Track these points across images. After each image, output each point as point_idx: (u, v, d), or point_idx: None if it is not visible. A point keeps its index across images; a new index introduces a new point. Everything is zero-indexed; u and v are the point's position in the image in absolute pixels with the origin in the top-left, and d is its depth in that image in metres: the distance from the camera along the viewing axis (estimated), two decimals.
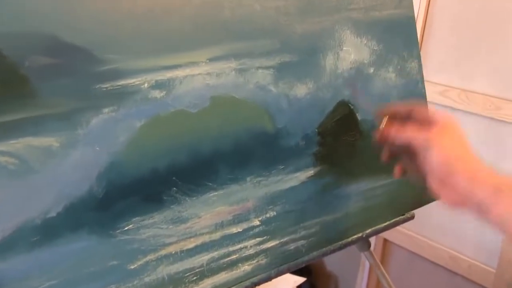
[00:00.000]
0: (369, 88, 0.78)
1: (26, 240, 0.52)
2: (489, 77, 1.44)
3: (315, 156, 0.73)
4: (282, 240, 0.72)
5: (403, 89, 0.82)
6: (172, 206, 0.62)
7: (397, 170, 0.66)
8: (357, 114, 0.77)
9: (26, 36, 0.50)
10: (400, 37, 0.81)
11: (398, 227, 1.26)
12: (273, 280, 0.72)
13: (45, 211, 0.53)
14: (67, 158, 0.54)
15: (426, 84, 1.55)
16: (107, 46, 0.55)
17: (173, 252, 0.63)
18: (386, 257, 1.80)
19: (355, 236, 0.80)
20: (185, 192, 0.62)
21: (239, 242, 0.68)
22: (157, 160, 0.60)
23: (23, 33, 0.50)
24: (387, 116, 0.68)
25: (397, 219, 0.86)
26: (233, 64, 0.64)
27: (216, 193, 0.65)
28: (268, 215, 0.70)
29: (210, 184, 0.64)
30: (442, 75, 1.55)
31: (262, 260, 0.70)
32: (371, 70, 0.78)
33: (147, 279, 0.60)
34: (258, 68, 0.66)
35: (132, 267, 0.60)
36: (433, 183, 0.61)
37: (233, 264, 0.68)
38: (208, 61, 0.62)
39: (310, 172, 0.73)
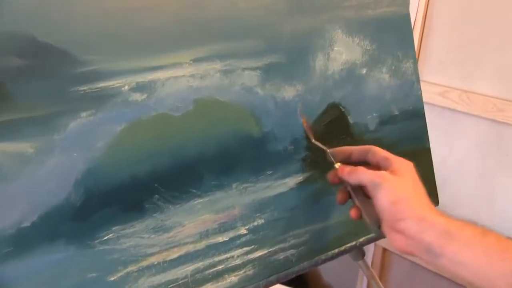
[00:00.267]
0: (362, 90, 0.79)
1: None
2: (491, 77, 1.46)
3: (305, 161, 0.73)
4: (270, 250, 0.72)
5: (398, 90, 0.83)
6: (154, 214, 0.62)
7: (352, 212, 0.66)
8: (348, 117, 0.78)
9: None
10: (394, 36, 0.82)
11: None
12: None
13: (19, 220, 0.54)
14: (42, 165, 0.55)
15: (425, 84, 1.57)
16: (85, 47, 0.56)
17: (156, 263, 0.63)
18: (386, 268, 1.81)
19: (348, 245, 0.81)
20: (168, 199, 0.63)
21: (225, 251, 0.69)
22: (138, 166, 0.60)
23: None
24: (339, 163, 0.69)
25: None
26: (218, 65, 0.65)
27: (201, 200, 0.66)
28: (255, 223, 0.71)
29: (194, 191, 0.65)
30: (442, 75, 1.56)
31: (250, 271, 0.71)
32: (364, 71, 0.79)
33: None
34: (244, 69, 0.67)
35: (112, 278, 0.60)
36: (384, 227, 0.62)
37: (219, 275, 0.68)
38: (191, 62, 0.63)
39: (300, 178, 0.74)
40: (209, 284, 0.67)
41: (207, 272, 0.67)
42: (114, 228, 0.60)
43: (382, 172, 0.63)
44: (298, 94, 0.72)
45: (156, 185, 0.62)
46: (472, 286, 0.58)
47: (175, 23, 0.62)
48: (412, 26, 1.56)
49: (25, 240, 0.54)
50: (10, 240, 0.53)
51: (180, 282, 0.65)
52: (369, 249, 1.76)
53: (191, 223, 0.65)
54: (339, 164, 0.68)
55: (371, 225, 0.64)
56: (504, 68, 1.42)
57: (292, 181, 0.73)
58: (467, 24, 1.49)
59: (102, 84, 0.57)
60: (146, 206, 0.62)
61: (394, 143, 0.82)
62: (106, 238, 0.59)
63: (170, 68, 0.62)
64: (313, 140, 0.72)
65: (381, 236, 0.64)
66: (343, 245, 0.80)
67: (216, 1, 0.65)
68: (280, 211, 0.73)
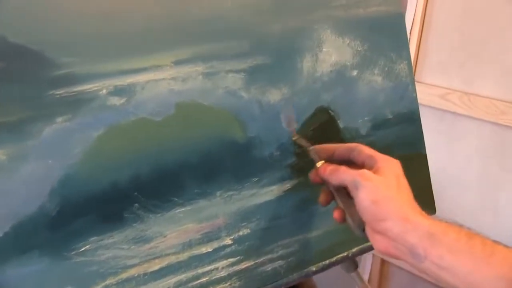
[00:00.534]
0: (352, 93, 0.80)
1: None
2: (494, 78, 1.47)
3: (292, 167, 0.74)
4: (257, 261, 0.73)
5: (392, 93, 0.84)
6: (134, 224, 0.63)
7: (335, 215, 0.67)
8: (338, 121, 0.79)
9: None
10: (387, 37, 0.84)
11: None
12: None
13: None
14: (16, 172, 0.55)
15: (424, 86, 1.58)
16: (60, 48, 0.57)
17: (136, 275, 0.64)
18: (384, 280, 1.82)
19: (340, 256, 0.81)
20: (149, 208, 0.64)
21: (209, 263, 0.69)
22: (117, 174, 0.61)
23: None
24: (323, 161, 0.69)
25: None
26: (200, 67, 0.66)
27: (183, 209, 0.67)
28: (241, 233, 0.72)
29: (176, 199, 0.66)
30: (442, 76, 1.58)
31: (236, 283, 0.72)
32: (354, 72, 0.80)
33: None
34: (227, 71, 0.68)
35: None
36: (367, 229, 0.63)
37: None
38: (173, 64, 0.64)
39: (287, 185, 0.75)
40: None
41: (190, 284, 0.68)
42: (91, 239, 0.61)
43: (363, 170, 0.64)
44: (285, 97, 0.73)
45: (136, 193, 0.63)
46: None
47: (156, 23, 0.63)
48: (411, 25, 1.59)
49: None
50: None
51: None
52: (367, 261, 1.78)
53: (173, 233, 0.66)
54: (321, 162, 0.69)
55: (355, 227, 0.64)
56: (507, 69, 1.43)
57: (279, 189, 0.74)
58: (469, 22, 1.50)
59: (78, 88, 0.58)
60: (126, 215, 0.63)
61: (388, 149, 0.82)
62: (83, 249, 0.60)
63: (150, 71, 0.63)
64: (294, 137, 0.73)
65: (366, 239, 0.64)
66: (335, 256, 0.81)
67: (198, 1, 0.66)
68: (267, 220, 0.73)
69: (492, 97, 1.48)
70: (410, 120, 0.87)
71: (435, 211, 0.92)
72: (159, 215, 0.65)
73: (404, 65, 0.85)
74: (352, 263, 0.90)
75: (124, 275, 0.63)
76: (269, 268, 0.75)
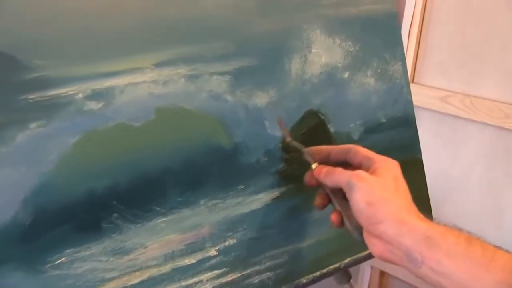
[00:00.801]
0: (344, 95, 0.81)
1: None
2: (497, 80, 1.48)
3: (280, 174, 0.75)
4: (244, 273, 0.74)
5: (385, 95, 0.85)
6: (113, 235, 0.63)
7: (333, 218, 0.67)
8: (329, 125, 0.79)
9: None
10: (380, 36, 0.84)
11: None
12: None
13: None
14: None
15: (424, 88, 1.59)
16: (33, 50, 0.57)
17: None
18: None
19: (332, 267, 0.82)
20: (128, 218, 0.64)
21: (193, 275, 0.70)
22: (95, 182, 0.62)
23: None
24: (317, 163, 0.70)
25: None
26: (182, 70, 0.66)
27: (165, 219, 0.67)
28: (226, 244, 0.72)
29: (158, 208, 0.66)
30: (443, 78, 1.58)
31: None
32: (346, 74, 0.81)
33: None
34: (211, 74, 0.69)
35: None
36: (363, 232, 0.64)
37: None
38: (153, 67, 0.64)
39: (275, 193, 0.75)
40: None
41: None
42: (67, 251, 0.61)
43: (359, 171, 0.64)
44: (272, 101, 0.74)
45: (114, 202, 0.63)
46: None
47: (135, 24, 0.64)
48: (410, 24, 1.60)
49: None
50: None
51: None
52: (365, 272, 1.78)
53: (154, 244, 0.66)
54: (316, 164, 0.69)
55: (353, 231, 0.65)
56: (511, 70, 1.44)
57: (266, 197, 0.75)
58: (470, 20, 1.51)
59: (53, 92, 0.58)
60: (104, 225, 0.63)
61: (381, 154, 0.83)
62: (58, 262, 0.60)
63: (130, 74, 0.63)
64: (288, 139, 0.73)
65: (364, 244, 0.64)
66: (326, 267, 0.81)
67: (179, 0, 0.66)
68: (254, 230, 0.74)
69: (495, 99, 1.48)
70: (405, 124, 0.88)
71: (432, 219, 0.92)
72: (139, 225, 0.65)
73: (398, 66, 0.86)
74: (345, 275, 0.90)
75: None
76: (257, 281, 0.75)
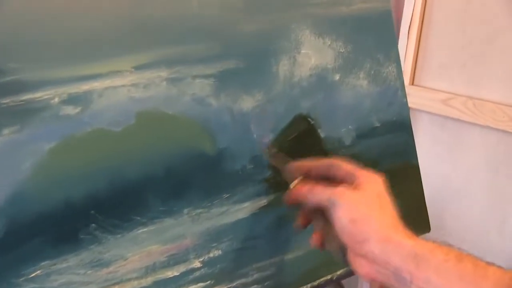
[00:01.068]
0: (335, 99, 0.81)
1: None
2: (501, 81, 1.48)
3: (268, 182, 0.75)
4: (230, 285, 0.74)
5: (379, 98, 0.85)
6: (90, 247, 0.64)
7: (314, 239, 0.68)
8: (319, 130, 0.80)
9: None
10: (373, 37, 0.85)
11: None
12: None
13: None
14: None
15: (424, 91, 1.60)
16: (6, 53, 0.57)
17: None
18: None
19: (323, 279, 0.82)
20: (107, 228, 0.64)
21: None
22: (72, 190, 0.62)
23: None
24: (301, 177, 0.70)
25: None
26: (164, 72, 0.67)
27: (146, 229, 0.67)
28: (211, 255, 0.72)
29: (138, 218, 0.67)
30: (444, 80, 1.59)
31: None
32: (337, 76, 0.81)
33: None
34: (195, 77, 0.69)
35: None
36: (348, 253, 0.63)
37: None
38: (133, 69, 0.65)
39: (263, 201, 0.76)
40: None
41: None
42: (43, 263, 0.61)
43: (340, 187, 0.64)
44: (259, 104, 0.74)
45: (92, 212, 0.63)
46: None
47: (114, 24, 0.64)
48: (409, 23, 1.60)
49: None
50: None
51: None
52: (365, 284, 1.78)
53: (134, 255, 0.67)
54: (297, 181, 0.70)
55: (336, 253, 0.65)
56: None
57: (253, 206, 0.75)
58: (472, 20, 1.51)
59: (27, 96, 0.59)
60: (81, 236, 0.63)
61: (375, 160, 0.84)
62: (33, 275, 0.60)
63: (108, 77, 0.63)
64: (268, 156, 0.74)
65: (348, 266, 0.64)
66: (317, 279, 0.82)
67: None
68: (240, 240, 0.74)
69: (499, 101, 1.49)
70: (400, 128, 0.88)
71: (429, 229, 0.93)
72: (119, 236, 0.65)
73: (392, 67, 0.87)
74: (337, 287, 0.90)
75: None
76: None
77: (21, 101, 0.58)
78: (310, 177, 0.71)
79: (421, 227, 0.92)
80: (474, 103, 1.52)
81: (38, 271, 0.61)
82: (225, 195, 0.73)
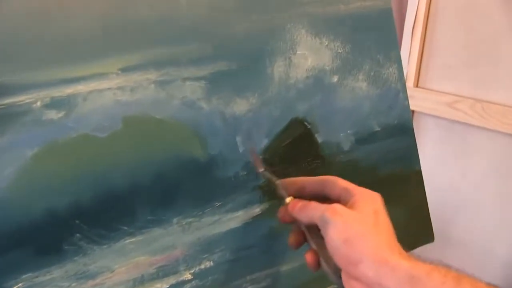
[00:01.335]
0: (333, 102, 0.82)
1: None
2: (510, 83, 1.49)
3: (262, 189, 0.76)
4: None
5: (379, 101, 0.86)
6: (75, 258, 0.64)
7: (308, 257, 0.67)
8: (316, 135, 0.80)
9: None
10: (373, 36, 0.86)
11: None
12: None
13: None
14: None
15: (430, 93, 1.60)
16: None
17: None
18: None
19: None
20: (93, 239, 0.65)
21: None
22: (55, 199, 0.62)
23: None
24: (291, 197, 0.70)
25: None
26: (152, 75, 0.67)
27: (134, 239, 0.68)
28: (202, 267, 0.73)
29: (125, 228, 0.67)
30: (450, 81, 1.60)
31: None
32: (335, 78, 0.82)
33: None
34: (185, 79, 0.69)
35: None
36: (342, 275, 0.63)
37: None
38: (119, 72, 0.65)
39: (256, 209, 0.76)
40: None
41: None
42: (25, 276, 0.61)
43: (334, 205, 0.64)
44: (252, 108, 0.75)
45: (77, 221, 0.64)
46: None
47: (99, 24, 0.64)
48: (413, 22, 1.61)
49: None
50: None
51: None
52: None
53: (121, 267, 0.67)
54: (290, 198, 0.70)
55: (330, 273, 0.64)
56: None
57: (246, 214, 0.75)
58: (479, 18, 1.52)
59: (8, 100, 0.59)
60: (65, 247, 0.63)
61: (375, 166, 0.85)
62: None
63: (93, 80, 0.64)
64: (260, 170, 0.74)
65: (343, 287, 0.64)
66: None
67: None
68: (233, 251, 0.75)
69: (508, 104, 1.49)
70: (402, 133, 0.89)
71: (433, 238, 0.93)
72: (105, 246, 0.66)
73: (393, 69, 0.87)
74: None
75: None
76: None
77: (2, 105, 0.59)
78: (305, 194, 0.71)
79: (424, 237, 0.92)
80: (482, 105, 1.52)
81: (20, 284, 0.61)
82: (217, 203, 0.73)
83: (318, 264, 0.67)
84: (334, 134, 0.82)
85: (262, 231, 0.77)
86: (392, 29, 0.88)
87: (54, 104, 0.61)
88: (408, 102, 0.89)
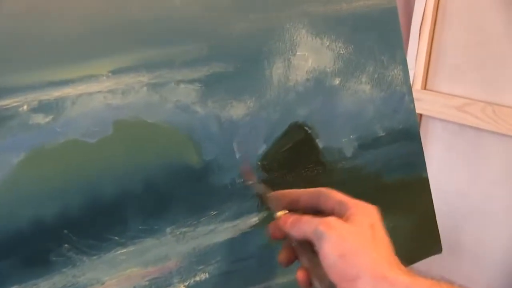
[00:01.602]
0: (334, 105, 0.82)
1: None
2: None
3: (260, 197, 0.76)
4: None
5: (383, 104, 0.86)
6: (63, 269, 0.64)
7: (299, 275, 0.66)
8: (317, 141, 0.81)
9: None
10: (377, 36, 0.86)
11: None
12: None
13: None
14: None
15: (438, 96, 1.61)
16: None
17: None
18: None
19: None
20: (82, 249, 0.65)
21: None
22: (42, 208, 0.62)
23: None
24: (285, 211, 0.70)
25: None
26: (144, 77, 0.68)
27: (125, 250, 0.68)
28: (197, 279, 0.73)
29: (116, 238, 0.67)
30: (459, 83, 1.60)
31: None
32: (337, 81, 0.82)
33: None
34: (179, 82, 0.70)
35: None
36: None
37: None
38: (110, 74, 0.65)
39: (254, 219, 0.76)
40: None
41: None
42: None
43: (329, 218, 0.64)
44: (250, 112, 0.75)
45: (65, 231, 0.64)
46: None
47: (89, 24, 0.65)
48: (420, 21, 1.61)
49: None
50: None
51: None
52: None
53: (112, 279, 0.67)
54: (281, 212, 0.70)
55: None
56: None
57: (244, 224, 0.76)
58: (489, 18, 1.52)
59: None
60: (53, 258, 0.63)
61: (379, 173, 0.85)
62: None
63: (83, 82, 0.64)
64: (250, 182, 0.74)
65: None
66: None
67: None
68: (229, 263, 0.75)
69: None
70: (407, 138, 0.89)
71: (441, 250, 0.93)
72: (95, 257, 0.66)
73: (398, 70, 0.87)
74: None
75: None
76: None
77: None
78: (298, 207, 0.71)
79: (431, 248, 0.92)
80: (493, 109, 1.52)
81: None
82: (213, 212, 0.73)
83: (309, 282, 0.66)
84: (336, 140, 0.83)
85: (260, 242, 0.77)
86: (397, 29, 0.88)
87: (42, 107, 0.62)
88: (414, 106, 0.90)
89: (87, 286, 0.66)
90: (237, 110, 0.74)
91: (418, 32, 1.63)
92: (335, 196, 0.68)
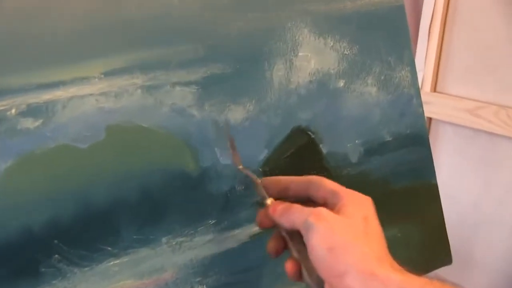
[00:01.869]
0: (339, 109, 0.82)
1: None
2: None
3: (261, 205, 0.75)
4: None
5: (390, 107, 0.86)
6: (53, 281, 0.64)
7: (288, 266, 0.66)
8: (320, 146, 0.81)
9: None
10: (383, 36, 0.86)
11: None
12: None
13: None
14: None
15: (449, 99, 1.61)
16: None
17: None
18: None
19: None
20: (73, 260, 0.65)
21: None
22: (31, 216, 0.62)
23: None
24: (273, 198, 0.70)
25: None
26: (138, 79, 0.68)
27: (118, 261, 0.68)
28: None
29: (109, 248, 0.67)
30: (471, 86, 1.60)
31: None
32: (341, 83, 0.82)
33: None
34: (174, 84, 0.70)
35: None
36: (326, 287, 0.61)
37: None
38: (102, 76, 0.66)
39: (255, 228, 0.76)
40: None
41: None
42: None
43: (319, 208, 0.63)
44: (249, 116, 0.75)
45: (55, 241, 0.64)
46: None
47: (80, 24, 0.65)
48: (430, 20, 1.62)
49: None
50: None
51: None
52: None
53: None
54: (271, 200, 0.69)
55: (312, 286, 0.63)
56: None
57: (243, 233, 0.76)
58: (502, 17, 1.52)
59: None
60: (43, 270, 0.63)
61: (386, 180, 0.85)
62: None
63: (74, 85, 0.64)
64: (239, 166, 0.74)
65: None
66: None
67: None
68: (229, 274, 0.75)
69: None
70: (415, 143, 0.89)
71: (451, 261, 0.93)
72: (86, 268, 0.66)
73: (406, 72, 0.87)
74: None
75: None
76: None
77: None
78: (288, 196, 0.70)
79: (441, 259, 0.92)
80: (507, 112, 1.52)
81: None
82: (211, 221, 0.73)
83: (299, 275, 0.66)
84: (341, 145, 0.83)
85: (261, 252, 0.76)
86: (404, 28, 0.88)
87: (31, 111, 0.62)
88: (423, 109, 0.90)
89: None
90: (236, 114, 0.74)
91: (428, 32, 1.63)
92: (327, 185, 0.68)
